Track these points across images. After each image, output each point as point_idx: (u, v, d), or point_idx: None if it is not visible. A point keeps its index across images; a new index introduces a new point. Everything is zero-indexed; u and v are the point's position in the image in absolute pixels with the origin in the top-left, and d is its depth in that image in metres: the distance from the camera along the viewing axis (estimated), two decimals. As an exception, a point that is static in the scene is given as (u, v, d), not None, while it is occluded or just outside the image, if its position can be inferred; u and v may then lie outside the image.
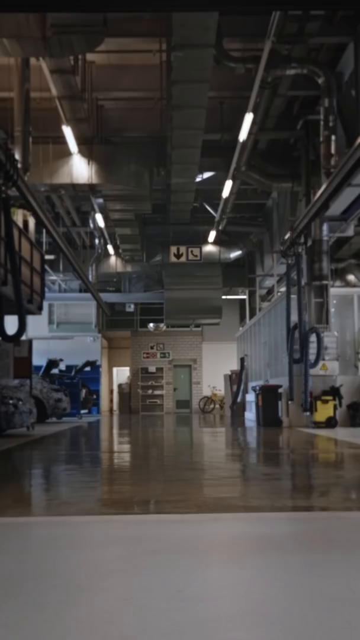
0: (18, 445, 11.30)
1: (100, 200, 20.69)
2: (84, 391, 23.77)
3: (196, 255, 26.39)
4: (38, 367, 20.57)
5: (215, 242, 26.21)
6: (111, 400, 34.98)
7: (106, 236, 25.91)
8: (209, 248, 26.50)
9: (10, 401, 13.12)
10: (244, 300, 31.30)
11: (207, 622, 2.39)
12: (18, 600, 2.65)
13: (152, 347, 33.78)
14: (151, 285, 30.87)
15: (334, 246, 18.22)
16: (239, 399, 23.89)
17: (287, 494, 5.84)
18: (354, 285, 21.76)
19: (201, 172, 20.05)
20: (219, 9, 10.38)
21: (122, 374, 35.34)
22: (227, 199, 20.83)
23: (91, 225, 24.59)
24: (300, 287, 15.70)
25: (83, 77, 15.74)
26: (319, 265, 16.26)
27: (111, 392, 35.06)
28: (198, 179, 19.72)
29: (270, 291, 26.76)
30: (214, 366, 31.88)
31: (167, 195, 20.67)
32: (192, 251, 26.41)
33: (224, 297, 29.40)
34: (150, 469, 8.03)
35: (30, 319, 17.95)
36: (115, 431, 17.20)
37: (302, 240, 15.87)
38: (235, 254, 27.53)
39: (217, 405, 31.35)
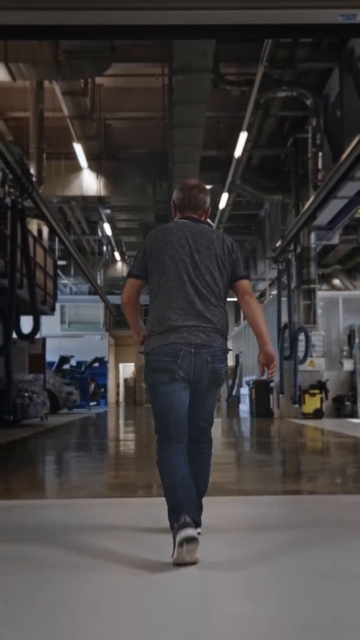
0: (33, 434, 11.30)
1: (108, 211, 20.70)
2: (92, 385, 23.74)
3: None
4: (51, 363, 20.55)
5: (212, 249, 26.19)
6: (117, 393, 34.94)
7: (113, 243, 25.91)
8: (207, 254, 26.46)
9: (26, 394, 13.12)
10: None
11: (205, 596, 2.40)
12: (32, 576, 2.66)
13: (154, 345, 33.74)
14: (154, 288, 30.83)
15: (321, 253, 18.20)
16: (234, 393, 23.88)
17: (278, 479, 5.84)
18: (339, 289, 21.75)
19: (200, 186, 20.01)
20: (216, 37, 10.37)
21: (127, 369, 35.29)
22: (223, 210, 20.82)
23: (99, 234, 24.58)
24: (290, 290, 15.68)
25: (92, 98, 15.76)
26: (307, 271, 16.26)
27: (117, 385, 35.03)
28: (197, 192, 19.69)
29: (262, 294, 26.74)
30: (211, 362, 31.82)
31: (169, 207, 20.65)
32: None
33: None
34: (152, 456, 8.01)
35: (44, 319, 17.92)
36: (121, 421, 17.20)
37: (292, 247, 15.85)
38: (230, 259, 27.47)
39: (214, 398, 31.32)
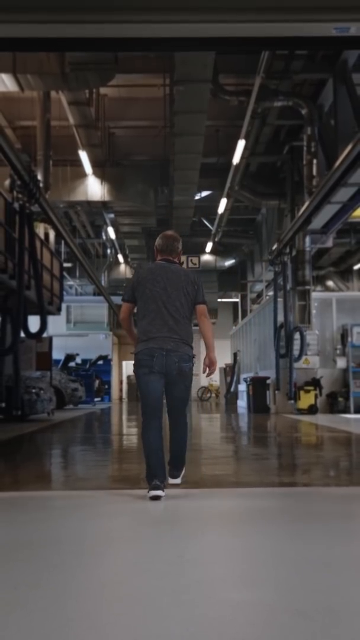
0: (39, 428, 11.30)
1: (112, 215, 20.69)
2: (97, 382, 23.74)
3: (195, 264, 26.28)
4: (57, 361, 20.54)
5: (211, 252, 26.20)
6: (121, 390, 34.92)
7: (116, 247, 25.91)
8: (207, 257, 26.50)
9: (33, 390, 13.12)
10: (236, 302, 31.28)
11: (204, 584, 2.39)
12: (39, 564, 2.66)
13: (156, 344, 33.66)
14: (155, 289, 30.78)
15: (315, 256, 18.20)
16: (232, 389, 23.86)
17: (274, 471, 5.83)
18: (333, 290, 21.75)
19: (199, 191, 20.03)
20: (215, 49, 10.37)
21: (130, 366, 35.17)
22: (222, 214, 20.82)
23: (103, 237, 24.58)
24: (286, 291, 15.68)
25: (97, 108, 15.76)
26: (302, 273, 16.25)
27: (121, 382, 35.01)
28: (197, 197, 19.71)
29: (259, 295, 26.76)
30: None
31: (170, 211, 20.66)
32: (191, 260, 26.29)
33: (219, 300, 29.39)
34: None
35: (50, 319, 17.85)
36: (124, 417, 17.19)
37: (288, 250, 15.84)
38: (229, 262, 27.53)
39: (214, 395, 31.30)
